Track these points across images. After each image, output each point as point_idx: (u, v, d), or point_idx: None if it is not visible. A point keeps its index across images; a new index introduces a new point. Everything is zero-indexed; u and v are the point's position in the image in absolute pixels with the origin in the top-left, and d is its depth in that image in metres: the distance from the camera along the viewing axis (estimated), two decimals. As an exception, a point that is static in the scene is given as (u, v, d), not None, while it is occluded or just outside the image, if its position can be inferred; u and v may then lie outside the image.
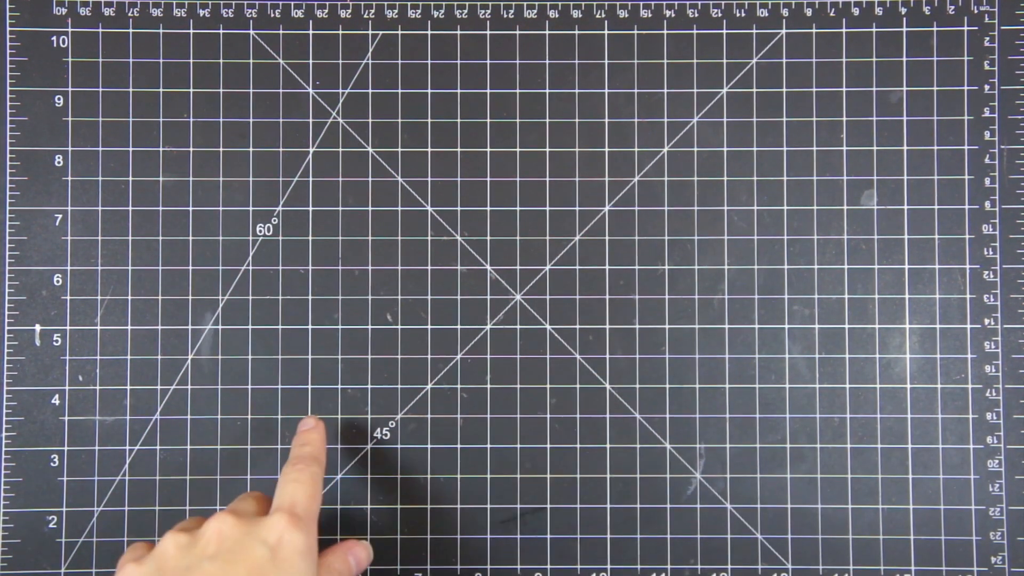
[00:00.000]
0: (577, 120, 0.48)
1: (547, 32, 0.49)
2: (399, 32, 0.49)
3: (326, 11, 0.49)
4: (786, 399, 0.48)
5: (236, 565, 0.37)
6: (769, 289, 0.48)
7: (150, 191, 0.48)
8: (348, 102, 0.48)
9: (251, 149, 0.48)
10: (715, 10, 0.49)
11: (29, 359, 0.48)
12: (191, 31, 0.49)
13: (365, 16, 0.49)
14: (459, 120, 0.48)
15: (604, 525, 0.48)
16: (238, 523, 0.39)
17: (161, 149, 0.48)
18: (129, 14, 0.48)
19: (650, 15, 0.48)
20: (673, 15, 0.48)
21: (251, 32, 0.49)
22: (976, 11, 0.48)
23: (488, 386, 0.48)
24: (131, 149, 0.48)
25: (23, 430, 0.47)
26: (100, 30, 0.48)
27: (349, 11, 0.49)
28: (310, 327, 0.48)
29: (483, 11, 0.49)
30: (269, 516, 0.39)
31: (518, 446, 0.48)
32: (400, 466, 0.48)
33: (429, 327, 0.48)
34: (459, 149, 0.48)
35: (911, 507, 0.47)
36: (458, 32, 0.49)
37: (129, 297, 0.48)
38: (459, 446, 0.48)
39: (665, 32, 0.48)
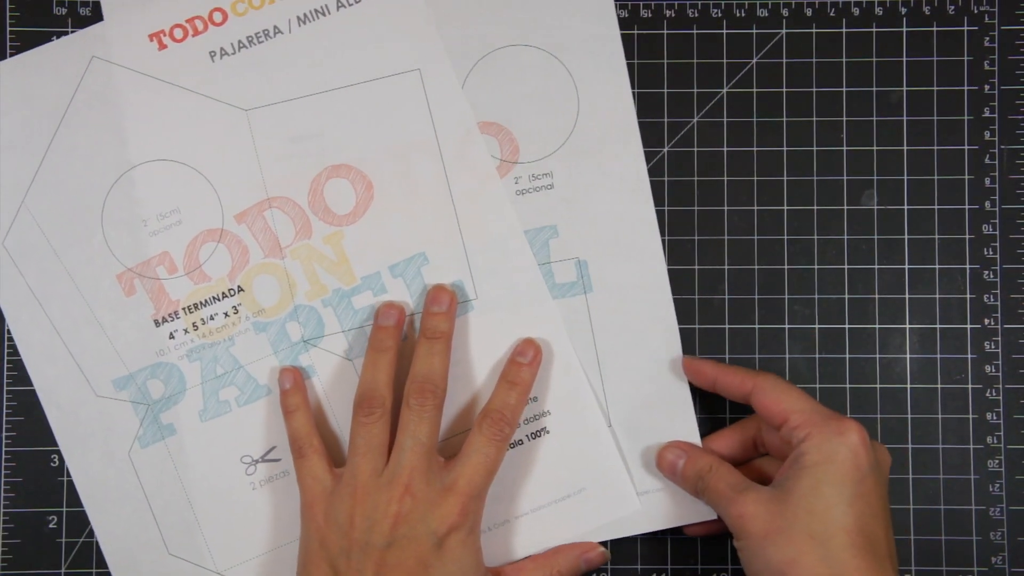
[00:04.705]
0: (577, 120, 0.48)
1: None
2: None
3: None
4: (786, 399, 0.48)
5: (406, 552, 0.40)
6: (769, 289, 0.48)
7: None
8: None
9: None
10: (715, 10, 0.49)
11: (29, 359, 0.48)
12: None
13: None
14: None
15: (604, 525, 0.48)
16: (416, 505, 0.41)
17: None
18: (129, 14, 0.48)
19: (650, 15, 0.48)
20: (673, 15, 0.48)
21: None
22: (976, 11, 0.48)
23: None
24: (131, 149, 0.48)
25: (23, 430, 0.47)
26: (100, 30, 0.48)
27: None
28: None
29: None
30: (445, 498, 0.41)
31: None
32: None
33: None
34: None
35: (911, 507, 0.47)
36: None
37: (129, 297, 0.48)
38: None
39: (665, 32, 0.48)
